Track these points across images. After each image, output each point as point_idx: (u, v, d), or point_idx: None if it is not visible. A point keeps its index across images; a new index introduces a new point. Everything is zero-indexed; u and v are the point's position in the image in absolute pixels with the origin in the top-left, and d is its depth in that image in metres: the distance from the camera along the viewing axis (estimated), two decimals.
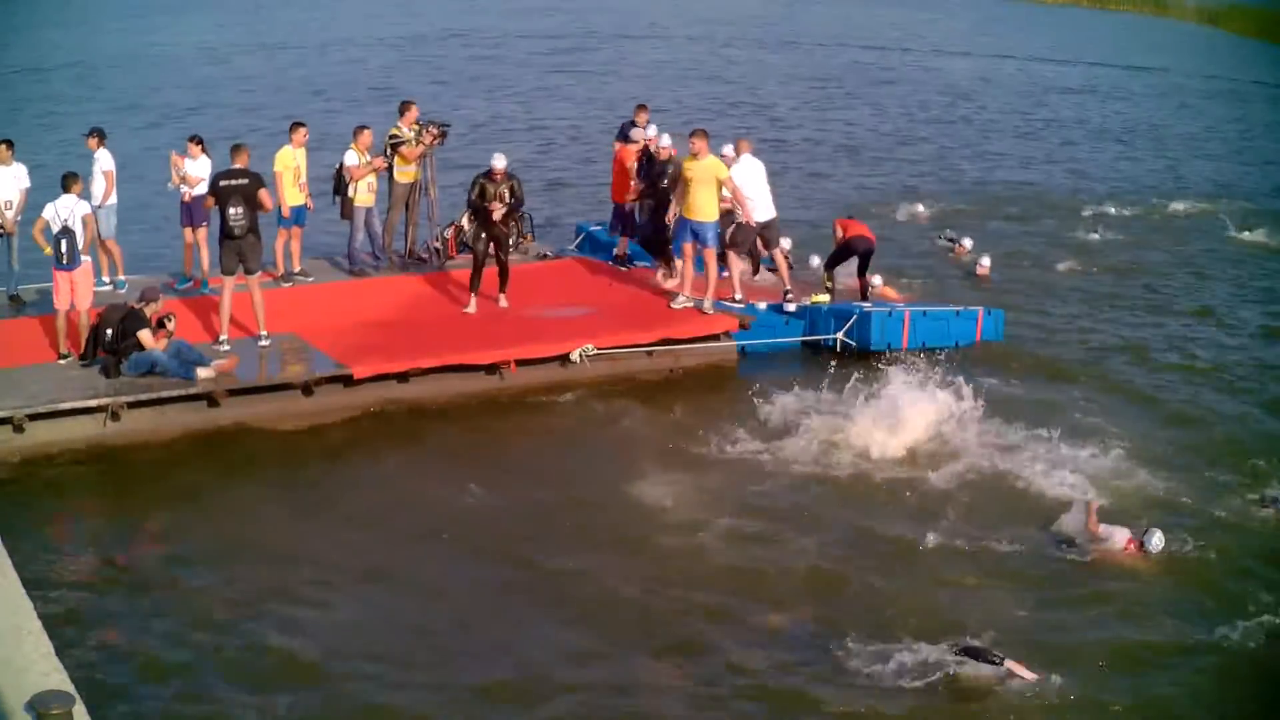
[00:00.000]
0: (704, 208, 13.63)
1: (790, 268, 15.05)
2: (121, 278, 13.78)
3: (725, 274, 14.42)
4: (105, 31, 39.63)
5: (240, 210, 12.18)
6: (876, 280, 15.56)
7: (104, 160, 13.55)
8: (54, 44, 36.22)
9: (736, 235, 14.38)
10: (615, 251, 15.75)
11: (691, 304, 13.87)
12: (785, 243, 15.33)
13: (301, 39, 39.36)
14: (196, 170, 13.62)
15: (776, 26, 48.80)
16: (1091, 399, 13.07)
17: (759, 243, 14.85)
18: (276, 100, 27.95)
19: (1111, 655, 8.63)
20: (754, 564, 9.66)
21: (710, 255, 13.78)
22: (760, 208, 14.35)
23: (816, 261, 16.15)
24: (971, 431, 11.70)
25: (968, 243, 18.14)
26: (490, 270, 13.76)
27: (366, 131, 14.31)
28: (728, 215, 14.13)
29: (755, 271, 15.52)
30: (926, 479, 10.98)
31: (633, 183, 15.10)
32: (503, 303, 13.89)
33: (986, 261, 17.23)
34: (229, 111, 26.39)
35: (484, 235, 13.65)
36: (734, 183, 13.82)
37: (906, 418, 11.60)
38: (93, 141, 13.67)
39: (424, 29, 42.60)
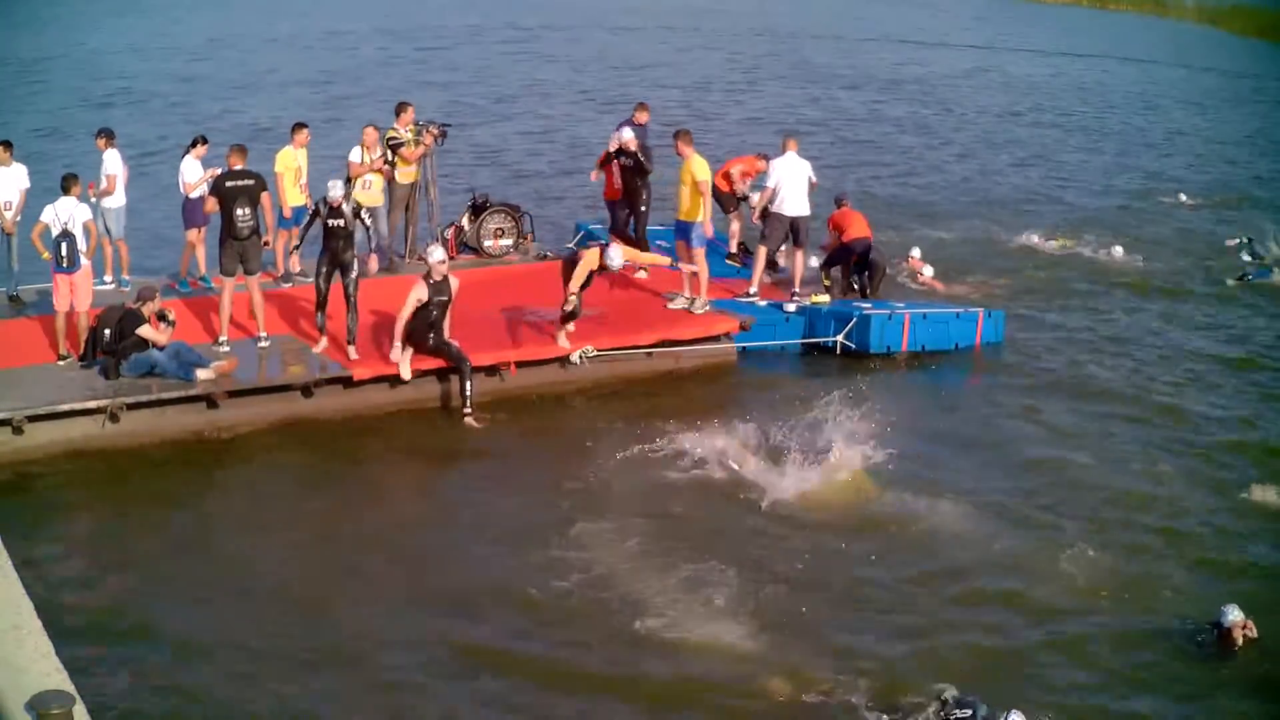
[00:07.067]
0: (686, 208, 13.77)
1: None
2: (125, 277, 13.77)
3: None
4: (105, 30, 39.62)
5: (248, 211, 12.19)
6: (928, 271, 16.17)
7: (110, 162, 13.51)
8: (55, 41, 36.23)
9: (766, 228, 14.50)
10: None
11: (685, 304, 13.89)
12: None
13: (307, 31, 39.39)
14: (201, 170, 13.59)
15: (774, 22, 48.83)
16: (1098, 404, 13.11)
17: (793, 238, 14.73)
18: (272, 100, 27.94)
19: None
20: (757, 566, 9.67)
21: (698, 255, 13.83)
22: (793, 202, 14.43)
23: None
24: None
25: (916, 252, 17.09)
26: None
27: (373, 130, 14.31)
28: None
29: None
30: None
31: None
32: None
33: (929, 270, 16.50)
34: (216, 110, 26.39)
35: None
36: (707, 186, 13.90)
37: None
38: (101, 142, 13.63)
39: (401, 23, 42.56)
